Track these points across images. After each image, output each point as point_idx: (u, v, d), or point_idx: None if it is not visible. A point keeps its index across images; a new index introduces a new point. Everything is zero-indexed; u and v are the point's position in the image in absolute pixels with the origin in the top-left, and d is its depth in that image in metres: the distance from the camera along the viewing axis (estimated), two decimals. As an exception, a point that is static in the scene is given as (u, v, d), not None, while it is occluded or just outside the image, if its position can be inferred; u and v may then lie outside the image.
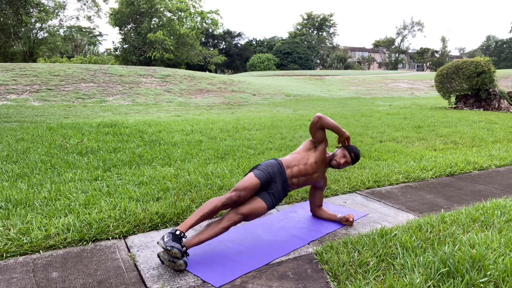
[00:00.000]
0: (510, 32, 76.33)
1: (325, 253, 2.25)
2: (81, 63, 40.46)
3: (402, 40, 70.72)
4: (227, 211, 2.40)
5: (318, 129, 2.69)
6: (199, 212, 2.27)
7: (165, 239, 2.08)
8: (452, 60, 24.51)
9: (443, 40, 69.53)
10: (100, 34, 58.02)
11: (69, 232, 2.47)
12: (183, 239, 2.19)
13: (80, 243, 2.41)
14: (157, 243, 2.13)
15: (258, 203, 2.42)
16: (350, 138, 2.77)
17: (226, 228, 2.30)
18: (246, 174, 2.51)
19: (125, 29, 44.29)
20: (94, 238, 2.47)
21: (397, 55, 70.99)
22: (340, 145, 2.83)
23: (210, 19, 47.07)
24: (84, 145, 5.20)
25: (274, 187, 2.52)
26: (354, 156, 2.74)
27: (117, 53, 46.25)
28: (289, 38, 61.09)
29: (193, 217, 2.26)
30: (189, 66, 46.11)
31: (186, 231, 2.21)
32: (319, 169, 2.72)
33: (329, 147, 5.25)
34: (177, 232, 2.14)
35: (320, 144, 2.73)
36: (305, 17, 67.98)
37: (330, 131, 2.77)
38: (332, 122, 2.68)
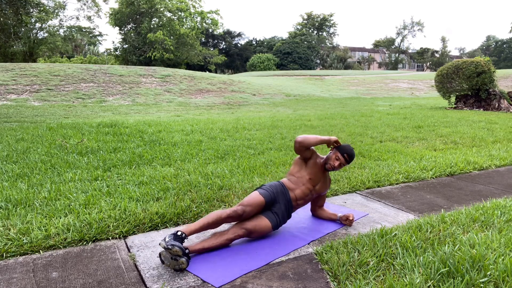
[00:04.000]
0: (510, 32, 76.41)
1: (325, 253, 2.25)
2: (81, 63, 40.45)
3: (402, 40, 70.74)
4: (231, 225, 2.43)
5: (302, 151, 2.68)
6: (203, 220, 2.33)
7: (167, 239, 2.12)
8: (452, 60, 24.51)
9: (443, 40, 69.53)
10: (100, 34, 58.04)
11: (69, 232, 2.47)
12: (185, 240, 2.22)
13: (80, 243, 2.41)
14: (159, 244, 2.15)
15: (263, 221, 2.47)
16: (338, 140, 2.71)
17: (230, 240, 2.36)
18: (250, 194, 2.56)
19: (125, 29, 44.28)
20: (94, 238, 2.47)
21: (397, 55, 70.98)
22: (332, 146, 2.79)
23: (210, 19, 47.06)
24: (84, 145, 5.20)
25: (278, 207, 2.56)
26: (347, 156, 2.69)
27: (117, 53, 46.24)
28: (289, 38, 61.08)
29: (197, 224, 2.31)
30: (189, 66, 46.10)
31: (189, 234, 2.26)
32: (318, 181, 2.73)
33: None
34: (179, 233, 2.19)
35: (309, 159, 2.73)
36: (305, 17, 68.00)
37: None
38: (313, 140, 2.63)
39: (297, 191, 2.66)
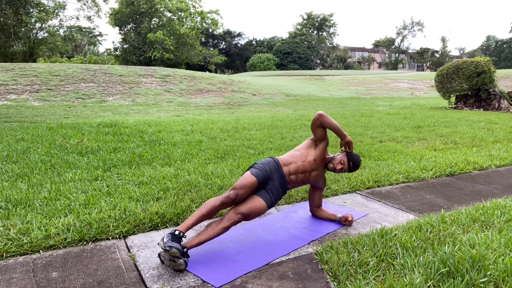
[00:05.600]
0: (510, 32, 76.45)
1: (325, 253, 2.25)
2: (81, 63, 40.44)
3: (402, 40, 70.68)
4: (226, 211, 2.40)
5: (318, 126, 2.67)
6: (198, 212, 2.29)
7: (165, 240, 2.11)
8: (452, 60, 24.49)
9: (443, 40, 69.51)
10: (100, 34, 58.07)
11: (69, 232, 2.47)
12: (183, 238, 2.20)
13: (80, 243, 2.41)
14: (158, 244, 2.15)
15: (257, 201, 2.41)
16: (352, 143, 2.70)
17: (227, 228, 2.30)
18: (242, 175, 2.52)
19: (125, 29, 44.27)
20: (94, 238, 2.47)
21: (397, 55, 70.96)
22: (342, 149, 2.79)
23: (210, 19, 47.03)
24: (84, 145, 5.20)
25: (272, 184, 2.52)
26: (352, 165, 2.69)
27: (117, 53, 46.22)
28: (289, 38, 61.05)
29: (193, 217, 2.28)
30: (189, 66, 46.09)
31: (186, 231, 2.22)
32: (318, 167, 2.70)
33: (331, 148, 5.25)
34: (176, 232, 2.17)
35: (320, 142, 2.71)
36: (305, 17, 67.96)
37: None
38: (333, 122, 2.65)
39: (292, 165, 2.61)
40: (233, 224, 2.32)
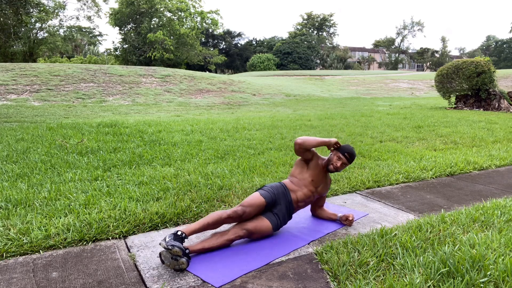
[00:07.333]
0: (510, 32, 76.50)
1: (325, 253, 2.25)
2: (81, 63, 40.42)
3: (402, 40, 70.64)
4: (232, 225, 2.43)
5: (303, 152, 2.68)
6: (204, 220, 2.33)
7: (167, 239, 2.13)
8: (452, 60, 24.50)
9: (443, 40, 69.50)
10: (100, 34, 58.07)
11: (69, 232, 2.47)
12: (185, 240, 2.23)
13: (80, 243, 2.41)
14: (159, 244, 2.16)
15: (264, 222, 2.47)
16: (338, 141, 2.71)
17: (231, 241, 2.36)
18: (251, 194, 2.56)
19: (125, 29, 44.26)
20: (94, 238, 2.47)
21: (397, 55, 70.92)
22: (332, 148, 2.79)
23: (210, 19, 47.00)
24: (84, 145, 5.20)
25: (279, 208, 2.56)
26: (348, 155, 2.69)
27: (117, 53, 46.21)
28: (289, 38, 61.02)
29: (197, 224, 2.32)
30: (189, 66, 46.07)
31: (189, 234, 2.26)
32: (319, 182, 2.73)
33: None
34: (179, 233, 2.19)
35: (310, 161, 2.72)
36: (305, 17, 67.93)
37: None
38: (314, 141, 2.62)
39: (299, 193, 2.66)
40: (237, 238, 2.37)
